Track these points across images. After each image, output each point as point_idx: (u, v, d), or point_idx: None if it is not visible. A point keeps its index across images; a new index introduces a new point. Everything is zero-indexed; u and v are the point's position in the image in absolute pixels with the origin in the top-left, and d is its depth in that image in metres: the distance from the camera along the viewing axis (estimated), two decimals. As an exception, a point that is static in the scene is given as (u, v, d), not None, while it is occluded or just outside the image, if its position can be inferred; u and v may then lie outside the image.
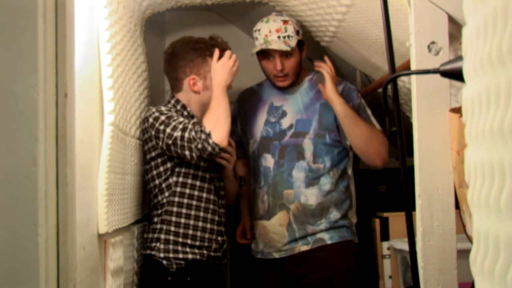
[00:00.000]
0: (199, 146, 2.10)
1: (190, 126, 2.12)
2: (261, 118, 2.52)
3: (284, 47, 2.34)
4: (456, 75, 1.20)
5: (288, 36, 2.35)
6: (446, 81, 1.55)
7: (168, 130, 2.14)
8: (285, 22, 2.38)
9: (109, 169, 1.76)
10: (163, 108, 2.24)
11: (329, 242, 2.40)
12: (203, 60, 2.30)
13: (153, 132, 2.20)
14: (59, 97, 1.29)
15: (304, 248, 2.40)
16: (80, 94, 1.44)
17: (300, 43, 2.42)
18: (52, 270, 1.25)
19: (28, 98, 1.22)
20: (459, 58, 1.23)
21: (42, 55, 1.24)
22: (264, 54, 2.41)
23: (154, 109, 2.24)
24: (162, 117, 2.19)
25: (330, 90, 2.32)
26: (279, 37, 2.35)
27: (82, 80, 1.50)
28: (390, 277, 2.72)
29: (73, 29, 1.37)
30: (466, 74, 0.75)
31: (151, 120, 2.21)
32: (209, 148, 2.10)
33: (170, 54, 2.37)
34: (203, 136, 2.09)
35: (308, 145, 2.41)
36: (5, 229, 1.21)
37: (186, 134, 2.11)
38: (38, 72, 1.22)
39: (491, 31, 0.65)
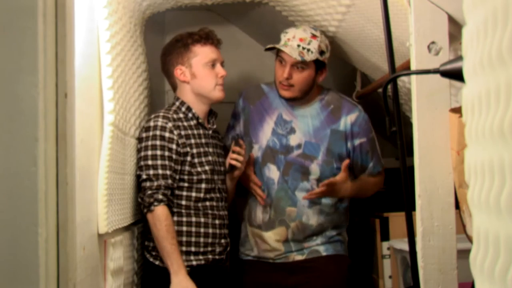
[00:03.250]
0: (139, 199, 2.17)
1: (155, 184, 2.14)
2: (268, 125, 2.46)
3: (295, 55, 2.26)
4: (456, 75, 1.20)
5: (308, 50, 2.29)
6: (446, 81, 1.56)
7: (142, 162, 2.18)
8: (313, 36, 2.32)
9: (109, 169, 1.76)
10: (159, 122, 2.21)
11: (324, 253, 2.41)
12: (185, 48, 2.29)
13: (138, 146, 2.22)
14: (59, 97, 1.29)
15: (299, 257, 2.41)
16: (80, 94, 1.44)
17: (320, 65, 2.36)
18: (52, 270, 1.25)
19: (28, 98, 1.22)
20: (459, 58, 1.23)
21: (42, 55, 1.24)
22: (280, 58, 2.35)
23: (151, 123, 2.22)
24: (149, 150, 2.19)
25: (341, 194, 2.39)
26: (298, 45, 2.29)
27: (82, 80, 1.50)
28: (390, 277, 2.72)
29: (73, 29, 1.37)
30: (466, 74, 0.75)
31: (144, 135, 2.21)
32: (141, 209, 2.17)
33: (161, 55, 2.40)
34: (146, 203, 2.13)
35: (315, 170, 2.39)
36: (5, 229, 1.21)
37: (148, 184, 2.15)
38: (38, 72, 1.22)
39: (491, 31, 0.65)
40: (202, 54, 2.29)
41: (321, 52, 2.34)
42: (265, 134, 2.46)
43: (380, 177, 2.55)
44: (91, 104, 1.65)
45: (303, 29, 2.34)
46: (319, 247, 2.41)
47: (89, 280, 1.54)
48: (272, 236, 2.41)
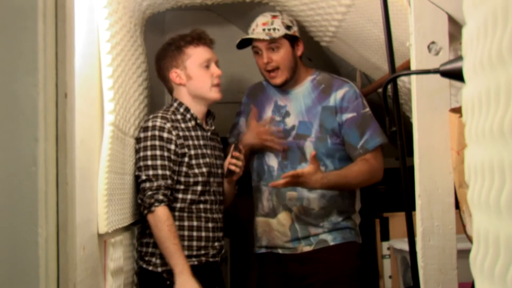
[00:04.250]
0: (139, 201, 2.16)
1: (155, 184, 2.13)
2: (266, 115, 2.51)
3: (263, 36, 2.33)
4: (456, 75, 1.20)
5: (273, 29, 2.35)
6: (446, 81, 1.56)
7: (141, 162, 2.17)
8: (273, 16, 2.38)
9: (109, 169, 1.76)
10: (158, 123, 2.19)
11: (332, 243, 2.39)
12: (178, 51, 2.30)
13: (136, 147, 2.21)
14: (59, 97, 1.29)
15: (307, 248, 2.40)
16: (80, 94, 1.44)
17: (293, 39, 2.40)
18: (52, 270, 1.25)
19: (28, 98, 1.22)
20: (459, 58, 1.23)
21: (42, 55, 1.24)
22: (255, 50, 2.40)
23: (150, 123, 2.21)
24: (148, 150, 2.18)
25: (311, 185, 2.23)
26: (263, 29, 2.35)
27: (82, 80, 1.50)
28: (390, 277, 2.72)
29: (73, 29, 1.37)
30: (466, 74, 0.75)
31: (142, 135, 2.20)
32: (141, 210, 2.16)
33: (155, 61, 2.40)
34: (146, 204, 2.12)
35: (309, 148, 2.38)
36: (5, 229, 1.21)
37: (148, 185, 2.14)
38: (38, 72, 1.22)
39: (491, 31, 0.65)
40: (196, 55, 2.30)
41: (288, 27, 2.38)
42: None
43: (366, 163, 2.34)
44: (91, 104, 1.65)
45: (262, 16, 2.41)
46: (327, 236, 2.39)
47: (89, 280, 1.54)
48: (277, 222, 2.42)
